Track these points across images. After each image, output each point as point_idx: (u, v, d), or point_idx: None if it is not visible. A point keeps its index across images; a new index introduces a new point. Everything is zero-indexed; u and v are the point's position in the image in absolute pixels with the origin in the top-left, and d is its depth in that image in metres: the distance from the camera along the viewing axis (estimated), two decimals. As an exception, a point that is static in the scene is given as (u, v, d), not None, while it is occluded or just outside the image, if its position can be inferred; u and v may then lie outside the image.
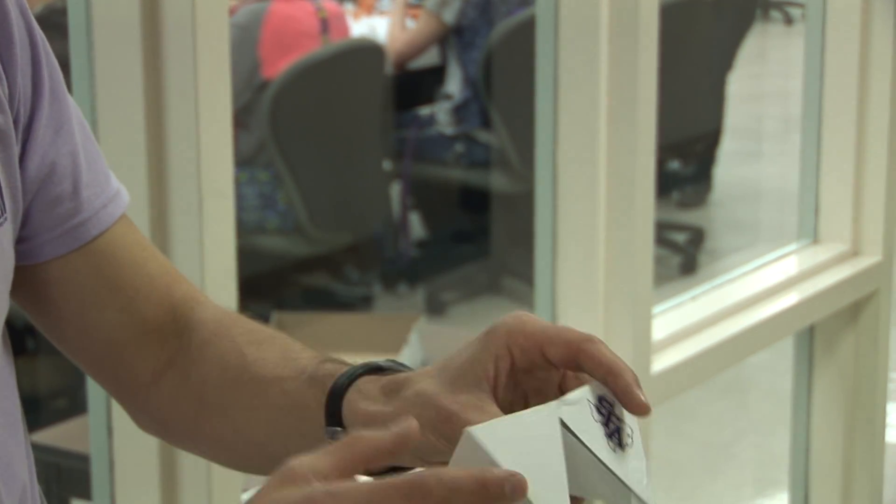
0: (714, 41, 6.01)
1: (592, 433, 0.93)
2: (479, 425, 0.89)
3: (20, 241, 1.09)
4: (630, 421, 0.95)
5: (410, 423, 0.85)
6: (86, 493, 1.98)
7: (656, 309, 2.54)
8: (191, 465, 1.80)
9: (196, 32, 1.70)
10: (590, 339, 0.96)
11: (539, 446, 0.90)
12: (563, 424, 0.92)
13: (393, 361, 1.06)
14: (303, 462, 0.84)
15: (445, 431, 0.95)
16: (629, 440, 0.94)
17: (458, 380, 0.97)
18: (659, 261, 2.51)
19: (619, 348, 2.36)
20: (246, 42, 4.45)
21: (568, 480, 0.91)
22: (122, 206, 1.15)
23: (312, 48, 4.59)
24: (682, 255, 5.98)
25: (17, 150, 1.06)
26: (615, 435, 0.94)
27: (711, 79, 6.13)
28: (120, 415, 1.82)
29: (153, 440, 1.78)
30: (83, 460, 1.96)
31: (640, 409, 0.94)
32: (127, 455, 1.83)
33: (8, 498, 1.04)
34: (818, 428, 3.11)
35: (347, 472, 0.84)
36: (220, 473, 1.72)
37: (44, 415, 3.10)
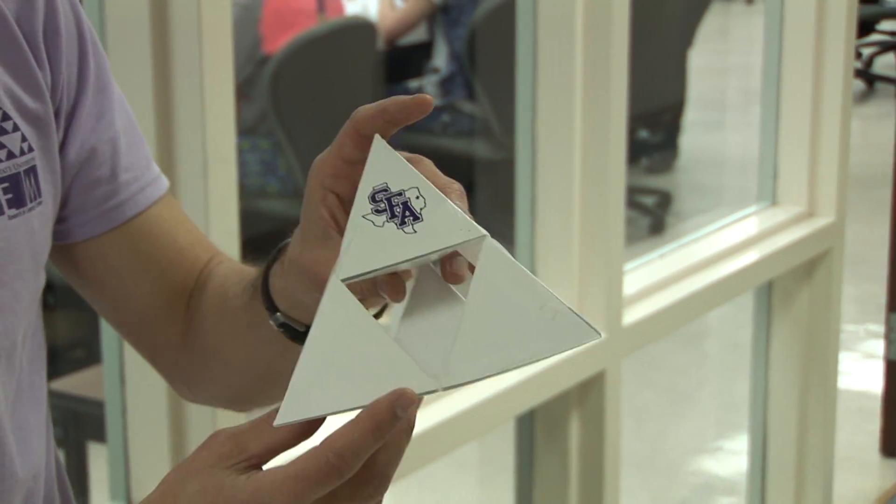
0: (676, 19, 6.01)
1: (386, 245, 0.86)
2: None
3: (60, 220, 1.09)
4: (409, 181, 0.87)
5: (379, 411, 0.84)
6: (101, 436, 1.98)
7: (627, 266, 2.55)
8: (197, 409, 1.80)
9: (201, 11, 1.69)
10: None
11: (351, 323, 0.85)
12: (347, 280, 0.86)
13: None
14: (235, 438, 0.85)
15: (318, 288, 0.91)
16: (420, 202, 0.86)
17: (308, 235, 0.95)
18: (630, 222, 2.51)
19: (594, 302, 2.37)
20: (248, 20, 4.44)
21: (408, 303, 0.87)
22: (161, 190, 1.14)
23: (310, 25, 4.57)
24: (651, 216, 5.98)
25: (57, 137, 1.05)
26: (406, 214, 0.86)
27: (675, 54, 6.14)
28: (132, 364, 1.82)
29: (162, 387, 1.78)
30: (98, 406, 1.96)
31: (420, 106, 0.90)
32: (138, 401, 1.83)
33: (22, 469, 1.03)
34: (775, 376, 3.12)
35: (278, 451, 0.85)
36: (224, 416, 1.72)
37: (62, 364, 3.10)
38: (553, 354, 0.85)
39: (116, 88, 1.12)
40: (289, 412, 0.84)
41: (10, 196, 0.99)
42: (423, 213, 0.86)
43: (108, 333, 1.86)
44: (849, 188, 3.08)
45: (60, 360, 3.26)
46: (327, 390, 0.84)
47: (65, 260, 1.12)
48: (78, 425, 2.48)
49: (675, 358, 4.60)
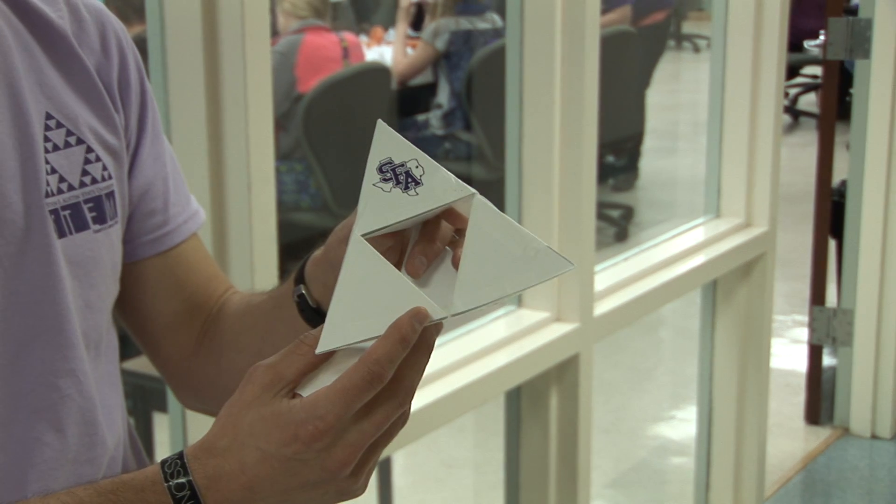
0: (636, 65, 6.01)
1: (394, 206, 0.87)
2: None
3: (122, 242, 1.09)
4: (409, 153, 0.87)
5: (403, 325, 0.85)
6: (163, 406, 1.97)
7: (598, 267, 2.54)
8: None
9: (246, 59, 1.69)
10: None
11: (372, 269, 0.86)
12: (365, 235, 0.87)
13: None
14: (271, 369, 0.85)
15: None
16: (419, 170, 0.87)
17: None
18: (598, 231, 2.50)
19: (570, 297, 2.36)
20: (285, 65, 4.44)
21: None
22: (199, 223, 1.14)
23: (336, 69, 4.57)
24: (616, 226, 5.97)
25: (126, 168, 1.06)
26: (409, 180, 0.87)
27: (635, 93, 6.14)
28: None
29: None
30: (161, 382, 1.95)
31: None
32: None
33: (110, 438, 1.03)
34: (719, 358, 3.11)
35: (310, 372, 0.85)
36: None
37: (132, 349, 3.09)
38: (538, 283, 0.86)
39: (165, 139, 1.12)
40: (327, 341, 0.85)
41: (94, 214, 1.00)
42: (422, 178, 0.87)
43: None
44: (779, 203, 3.08)
45: (131, 344, 3.26)
46: (357, 322, 0.85)
47: None
48: (144, 398, 2.47)
49: (637, 343, 4.60)
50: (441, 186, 0.87)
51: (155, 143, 1.09)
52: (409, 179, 0.87)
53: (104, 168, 1.01)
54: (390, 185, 0.87)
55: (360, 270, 0.86)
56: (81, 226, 0.98)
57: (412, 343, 0.83)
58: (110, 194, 1.02)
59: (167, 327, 1.13)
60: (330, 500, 0.87)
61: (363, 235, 0.86)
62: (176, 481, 0.84)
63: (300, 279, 1.03)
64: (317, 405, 0.82)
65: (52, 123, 0.98)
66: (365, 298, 0.85)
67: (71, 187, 0.98)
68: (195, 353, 1.14)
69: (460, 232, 0.90)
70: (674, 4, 7.83)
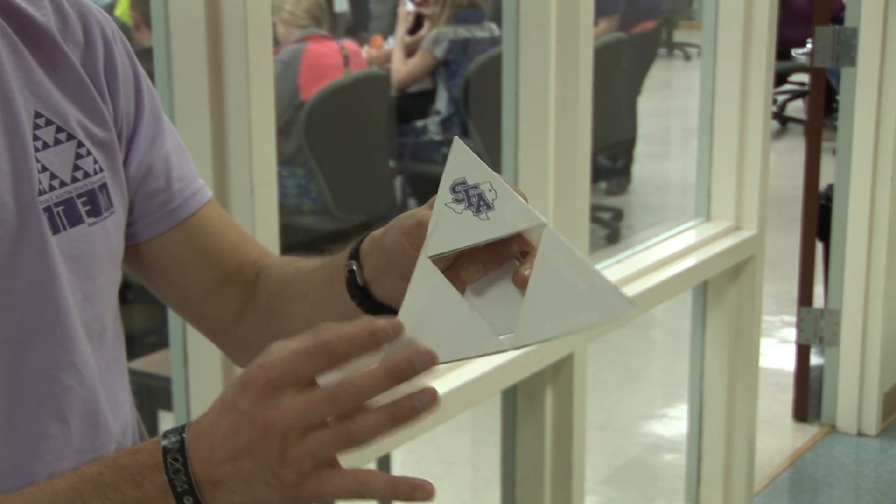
0: (627, 73, 6.02)
1: (465, 229, 0.84)
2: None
3: (129, 225, 1.09)
4: (484, 176, 0.85)
5: (377, 322, 0.84)
6: (168, 405, 1.97)
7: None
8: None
9: (249, 68, 1.69)
10: None
11: (437, 293, 0.84)
12: (433, 257, 0.85)
13: None
14: (279, 345, 0.85)
15: (414, 234, 0.92)
16: (492, 194, 0.85)
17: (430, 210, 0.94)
18: (591, 233, 2.50)
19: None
20: (288, 73, 4.44)
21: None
22: (207, 196, 1.15)
23: (337, 77, 4.57)
24: (608, 228, 5.97)
25: (121, 157, 1.06)
26: (481, 203, 0.85)
27: (627, 100, 6.14)
28: (193, 348, 1.81)
29: (218, 365, 1.77)
30: (166, 381, 1.95)
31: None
32: (198, 377, 1.82)
33: (115, 425, 1.04)
34: (710, 357, 3.11)
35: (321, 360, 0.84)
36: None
37: (138, 348, 3.08)
38: (600, 322, 0.83)
39: (165, 117, 1.13)
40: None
41: (88, 208, 1.00)
42: (495, 203, 0.84)
43: (174, 323, 1.85)
44: (768, 206, 3.08)
45: (137, 344, 3.25)
46: (416, 342, 0.83)
47: (136, 259, 1.13)
48: (150, 396, 2.47)
49: (630, 342, 4.59)
50: (513, 213, 0.84)
51: (152, 125, 1.10)
52: (482, 202, 0.85)
53: (95, 162, 1.01)
54: (462, 206, 0.85)
55: (425, 293, 0.85)
56: (75, 220, 0.99)
57: (378, 344, 0.82)
58: (103, 186, 1.02)
59: (203, 295, 1.15)
60: (269, 486, 0.83)
61: (431, 257, 0.85)
62: (171, 437, 0.86)
63: (355, 255, 1.03)
64: (268, 360, 0.83)
65: (41, 122, 0.98)
66: (427, 320, 0.84)
67: (63, 183, 0.98)
68: (240, 317, 1.15)
69: (524, 253, 0.88)
70: (664, 13, 7.83)
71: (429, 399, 0.81)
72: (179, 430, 0.86)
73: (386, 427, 0.83)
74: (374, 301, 1.02)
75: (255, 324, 1.14)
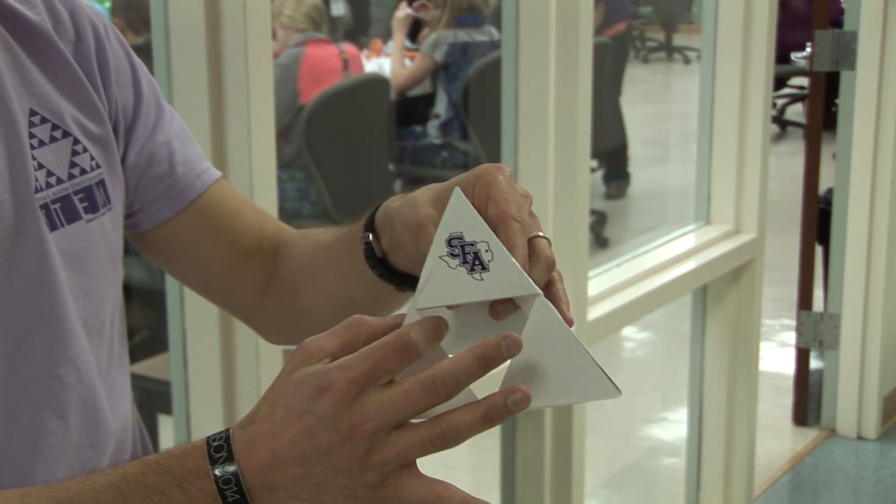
0: (604, 75, 6.02)
1: (457, 286, 0.82)
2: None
3: (135, 214, 1.10)
4: (481, 234, 0.83)
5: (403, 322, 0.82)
6: (168, 409, 1.97)
7: (591, 273, 2.54)
8: (245, 387, 1.79)
9: (249, 71, 1.69)
10: (500, 206, 0.87)
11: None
12: (421, 311, 0.82)
13: None
14: (314, 340, 0.82)
15: (414, 234, 0.92)
16: (489, 255, 0.82)
17: (441, 200, 0.91)
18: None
19: (563, 302, 2.36)
20: (287, 77, 4.44)
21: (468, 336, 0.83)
22: (214, 176, 1.14)
23: (336, 81, 4.57)
24: (592, 233, 5.96)
25: (118, 150, 1.06)
26: (476, 263, 0.82)
27: (613, 102, 6.13)
28: (192, 353, 1.81)
29: (218, 370, 1.77)
30: (166, 385, 1.95)
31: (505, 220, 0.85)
32: (198, 381, 1.82)
33: (114, 421, 1.03)
34: (709, 360, 3.11)
35: (350, 348, 0.81)
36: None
37: (139, 352, 3.08)
38: (578, 402, 0.81)
39: (168, 105, 1.13)
40: None
41: (85, 204, 1.00)
42: (490, 265, 0.82)
43: (174, 329, 1.85)
44: (767, 210, 3.08)
45: (135, 349, 3.26)
46: None
47: (151, 246, 1.13)
48: (150, 400, 2.47)
49: (630, 345, 4.59)
50: (507, 279, 0.82)
51: (152, 112, 1.10)
52: (477, 262, 0.82)
53: (92, 158, 1.02)
54: (457, 262, 0.82)
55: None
56: (73, 217, 0.99)
57: (485, 368, 0.79)
58: (100, 182, 1.02)
59: (223, 275, 1.14)
60: (342, 489, 0.80)
61: (420, 310, 0.82)
62: (216, 443, 0.81)
63: (370, 226, 1.01)
64: (347, 360, 0.79)
65: (36, 119, 0.98)
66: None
67: (60, 181, 0.98)
68: (264, 294, 1.15)
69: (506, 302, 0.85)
70: (632, 13, 7.87)
71: (522, 398, 0.79)
72: (224, 438, 0.81)
73: (479, 426, 0.80)
74: (394, 271, 1.01)
75: (280, 300, 1.14)
